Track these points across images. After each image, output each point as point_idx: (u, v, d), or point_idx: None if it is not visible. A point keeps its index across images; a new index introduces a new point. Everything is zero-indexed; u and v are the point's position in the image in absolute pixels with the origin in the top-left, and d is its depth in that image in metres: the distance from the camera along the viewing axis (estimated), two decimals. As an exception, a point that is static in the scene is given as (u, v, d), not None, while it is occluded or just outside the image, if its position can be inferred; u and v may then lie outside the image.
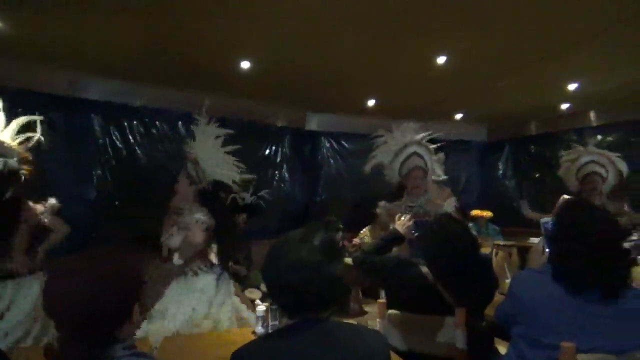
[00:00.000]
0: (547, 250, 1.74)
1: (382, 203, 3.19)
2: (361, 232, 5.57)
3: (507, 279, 2.69)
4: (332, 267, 1.17)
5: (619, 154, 3.84)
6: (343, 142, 6.60)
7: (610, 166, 3.63)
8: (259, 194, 4.57)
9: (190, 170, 3.01)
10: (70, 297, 1.01)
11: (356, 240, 5.51)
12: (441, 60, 4.21)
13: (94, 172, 4.50)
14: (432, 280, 1.89)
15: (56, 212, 3.10)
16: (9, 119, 2.96)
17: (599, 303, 1.37)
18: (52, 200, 3.08)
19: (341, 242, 5.27)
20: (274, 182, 5.92)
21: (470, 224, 5.80)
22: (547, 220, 1.82)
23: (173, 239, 2.84)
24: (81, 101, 4.47)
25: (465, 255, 1.82)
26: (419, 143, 3.18)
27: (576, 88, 5.13)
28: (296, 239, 1.20)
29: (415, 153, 3.11)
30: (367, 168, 3.28)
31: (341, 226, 5.24)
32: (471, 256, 1.85)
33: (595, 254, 1.37)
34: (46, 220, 3.02)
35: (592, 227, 1.41)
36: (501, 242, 5.52)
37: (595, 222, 1.43)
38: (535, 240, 5.32)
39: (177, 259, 2.85)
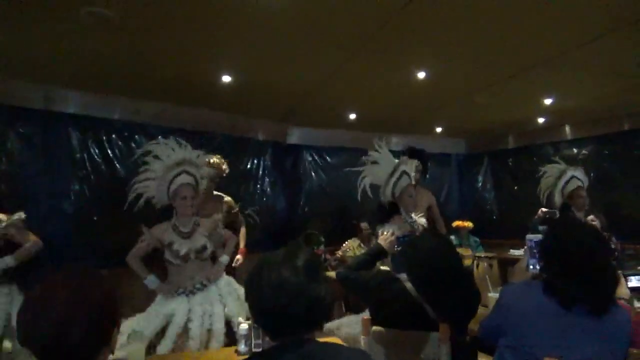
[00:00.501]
0: (531, 267, 1.76)
1: (385, 228, 3.13)
2: (343, 244, 5.56)
3: (490, 291, 2.71)
4: (317, 288, 1.15)
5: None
6: (324, 156, 6.62)
7: (585, 179, 3.76)
8: (247, 211, 4.53)
9: (203, 185, 3.01)
10: (47, 324, 0.98)
11: (339, 253, 5.51)
12: (421, 75, 4.28)
13: (71, 187, 4.40)
14: (416, 296, 1.89)
15: (24, 226, 3.01)
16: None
17: (587, 317, 1.39)
18: (19, 214, 2.99)
19: (323, 255, 5.26)
20: (256, 196, 5.89)
21: (452, 236, 5.85)
22: (531, 237, 1.84)
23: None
24: (58, 115, 4.38)
25: (448, 271, 1.83)
26: (405, 162, 3.21)
27: (551, 102, 5.25)
28: (279, 259, 1.18)
29: (404, 172, 3.14)
30: (359, 194, 3.27)
31: (322, 239, 5.23)
32: (454, 271, 1.86)
33: (586, 271, 1.40)
34: (11, 232, 2.93)
35: (583, 245, 1.44)
36: (482, 254, 5.58)
37: (586, 240, 1.46)
38: (515, 252, 5.42)
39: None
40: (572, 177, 3.71)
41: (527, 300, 1.51)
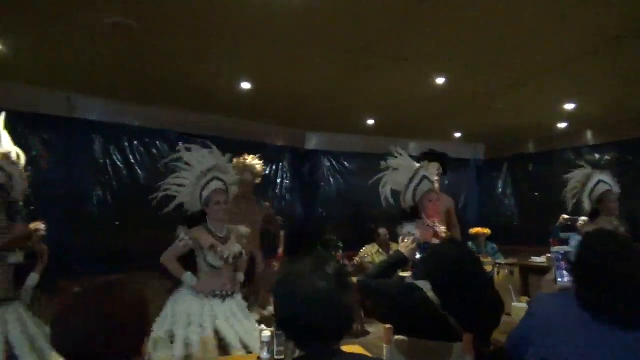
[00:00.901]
0: (559, 279, 1.73)
1: (406, 230, 3.13)
2: (361, 250, 5.55)
3: (513, 300, 2.66)
4: (346, 297, 1.15)
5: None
6: (342, 161, 6.62)
7: (614, 184, 3.65)
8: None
9: (233, 191, 3.05)
10: (80, 333, 1.00)
11: (357, 260, 5.49)
12: (440, 80, 4.26)
13: (94, 192, 4.48)
14: (438, 306, 1.87)
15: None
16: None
17: (620, 331, 1.36)
18: (41, 225, 3.04)
19: (341, 260, 5.25)
20: (274, 201, 5.92)
21: (469, 243, 5.78)
22: (558, 249, 1.81)
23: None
24: (81, 122, 4.47)
25: (470, 280, 1.81)
26: (426, 167, 3.19)
27: (573, 108, 5.18)
28: (309, 269, 1.18)
29: (425, 177, 3.12)
30: (383, 200, 3.27)
31: (341, 244, 5.23)
32: (477, 281, 1.84)
33: (619, 283, 1.37)
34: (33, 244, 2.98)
35: (617, 257, 1.41)
36: (502, 261, 5.50)
37: (620, 252, 1.43)
38: (537, 259, 5.33)
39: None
40: (600, 181, 3.60)
41: (558, 311, 1.48)
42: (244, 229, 3.15)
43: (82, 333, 1.00)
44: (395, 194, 3.25)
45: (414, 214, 3.17)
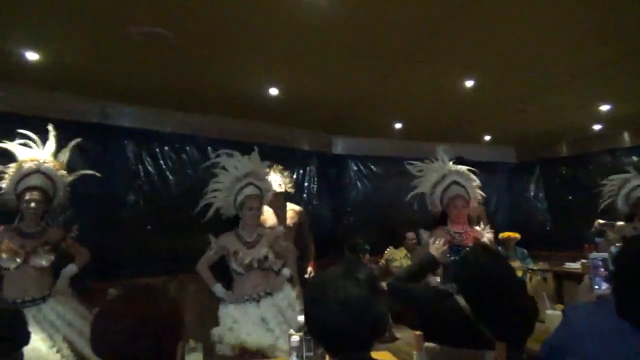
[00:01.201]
0: (596, 287, 1.67)
1: (424, 231, 3.13)
2: (385, 252, 5.51)
3: (547, 307, 2.59)
4: (380, 304, 1.14)
5: None
6: (369, 165, 6.59)
7: None
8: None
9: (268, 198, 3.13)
10: (117, 338, 1.03)
11: (382, 262, 5.46)
12: (469, 83, 4.20)
13: (127, 197, 4.59)
14: (470, 313, 1.84)
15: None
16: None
17: None
18: (73, 228, 3.13)
19: (368, 264, 5.22)
20: (302, 206, 5.93)
21: (498, 247, 5.67)
22: (595, 256, 1.75)
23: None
24: (114, 129, 4.59)
25: (503, 288, 1.77)
26: (457, 171, 3.14)
27: (609, 109, 5.02)
28: (341, 275, 1.17)
29: (455, 182, 3.07)
30: (409, 198, 3.26)
31: (367, 247, 5.21)
32: (510, 288, 1.79)
33: None
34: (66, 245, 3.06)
35: None
36: (535, 267, 5.37)
37: None
38: (571, 265, 5.18)
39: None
40: (638, 185, 3.50)
41: (596, 320, 1.43)
42: (279, 230, 3.19)
43: (120, 337, 1.04)
44: (424, 197, 3.23)
45: (441, 219, 3.13)
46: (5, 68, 3.54)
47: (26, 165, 2.86)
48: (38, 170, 2.87)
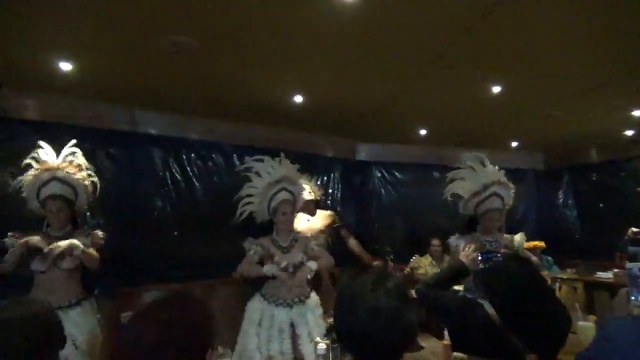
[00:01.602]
0: (632, 298, 1.62)
1: (454, 237, 3.10)
2: (411, 260, 5.45)
3: (579, 318, 2.52)
4: (409, 313, 1.13)
5: None
6: (394, 172, 6.55)
7: None
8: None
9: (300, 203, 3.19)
10: (144, 344, 1.05)
11: (407, 270, 5.41)
12: (496, 89, 4.15)
13: (154, 203, 4.67)
14: (500, 324, 1.80)
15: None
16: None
17: None
18: (99, 234, 3.17)
19: (392, 271, 5.18)
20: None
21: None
22: (631, 266, 1.69)
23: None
24: (142, 136, 4.69)
25: (535, 299, 1.72)
26: (500, 183, 3.08)
27: (642, 114, 4.89)
28: (369, 282, 1.17)
29: (495, 194, 3.02)
30: (446, 196, 3.23)
31: (391, 252, 5.17)
32: (542, 299, 1.75)
33: None
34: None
35: None
36: (563, 275, 5.24)
37: None
38: (602, 274, 5.03)
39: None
40: None
41: (635, 335, 1.39)
42: (308, 236, 3.21)
43: (151, 343, 1.05)
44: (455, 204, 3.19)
45: (469, 225, 3.09)
46: (38, 77, 3.67)
47: (42, 175, 2.91)
48: (54, 178, 2.93)
